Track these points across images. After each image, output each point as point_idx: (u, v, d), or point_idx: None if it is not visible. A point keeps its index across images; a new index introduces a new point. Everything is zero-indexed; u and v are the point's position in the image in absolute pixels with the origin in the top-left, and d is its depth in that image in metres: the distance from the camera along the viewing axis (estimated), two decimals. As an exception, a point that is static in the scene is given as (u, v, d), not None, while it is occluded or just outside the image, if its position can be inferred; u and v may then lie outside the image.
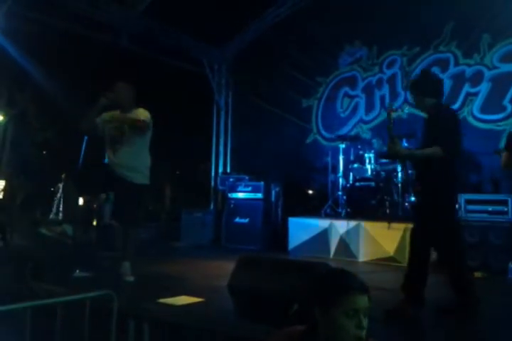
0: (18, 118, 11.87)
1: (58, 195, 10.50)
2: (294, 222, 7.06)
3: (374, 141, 7.29)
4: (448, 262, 3.43)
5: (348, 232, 6.44)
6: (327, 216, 7.24)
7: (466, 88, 7.30)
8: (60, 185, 10.53)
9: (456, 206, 4.22)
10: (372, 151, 7.11)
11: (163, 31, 9.15)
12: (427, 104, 3.62)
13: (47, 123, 12.55)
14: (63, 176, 10.49)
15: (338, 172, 7.49)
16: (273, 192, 7.90)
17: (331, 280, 1.71)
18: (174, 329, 3.17)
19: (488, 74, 7.11)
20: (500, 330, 3.16)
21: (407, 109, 6.01)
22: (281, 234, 7.39)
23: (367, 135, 8.30)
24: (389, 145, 3.49)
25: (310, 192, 8.43)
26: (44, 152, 13.44)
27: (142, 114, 4.57)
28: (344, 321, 1.60)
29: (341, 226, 6.52)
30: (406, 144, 6.42)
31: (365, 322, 1.60)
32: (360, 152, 7.33)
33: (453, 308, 3.34)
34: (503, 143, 6.70)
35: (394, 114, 3.63)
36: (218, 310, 3.37)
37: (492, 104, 7.02)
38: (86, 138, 6.84)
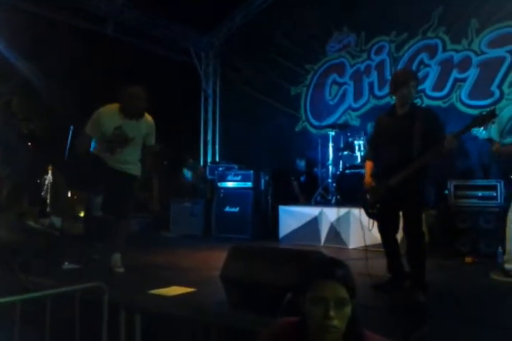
0: (3, 109, 11.69)
1: (45, 186, 10.41)
2: (284, 210, 7.05)
3: (371, 125, 7.19)
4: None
5: (338, 219, 6.44)
6: (317, 204, 7.25)
7: (454, 74, 7.29)
8: (47, 177, 10.44)
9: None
10: (362, 138, 7.09)
11: (148, 19, 9.04)
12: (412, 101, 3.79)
13: (32, 114, 12.38)
14: (50, 168, 10.41)
15: (328, 160, 7.48)
16: (262, 181, 7.86)
17: (309, 267, 1.67)
18: (166, 320, 3.14)
19: (476, 59, 7.10)
20: (489, 315, 3.17)
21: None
22: (272, 222, 7.39)
23: (356, 122, 8.29)
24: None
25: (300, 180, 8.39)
26: (29, 143, 13.27)
27: (147, 122, 4.47)
28: (311, 308, 1.54)
29: (332, 213, 6.52)
30: None
31: (333, 312, 1.51)
32: (350, 139, 7.31)
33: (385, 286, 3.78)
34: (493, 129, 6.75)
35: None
36: (210, 300, 3.34)
37: (480, 89, 7.02)
38: (72, 128, 6.74)
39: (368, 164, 4.03)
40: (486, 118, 3.33)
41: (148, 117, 4.51)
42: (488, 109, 3.39)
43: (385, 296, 3.66)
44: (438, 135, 3.50)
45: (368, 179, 3.91)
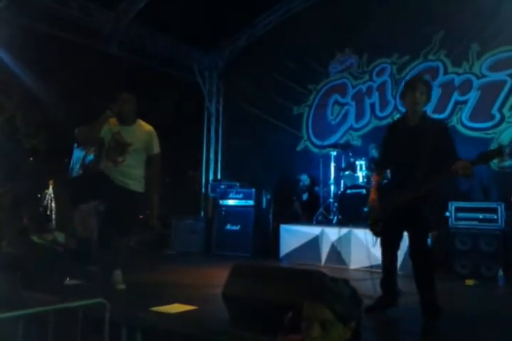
0: (6, 124, 11.78)
1: (45, 201, 10.43)
2: (285, 228, 7.04)
3: (371, 146, 7.26)
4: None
5: (339, 239, 6.43)
6: (318, 223, 7.26)
7: (455, 96, 7.37)
8: (47, 192, 10.48)
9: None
10: (364, 158, 7.13)
11: (153, 38, 9.16)
12: (423, 110, 3.59)
13: (35, 129, 12.47)
14: (51, 183, 10.45)
15: (330, 179, 7.51)
16: (264, 199, 7.87)
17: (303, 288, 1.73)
18: (167, 337, 3.14)
19: (476, 82, 7.19)
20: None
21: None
22: (273, 240, 7.38)
23: (357, 142, 8.35)
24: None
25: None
26: (31, 158, 13.34)
27: (145, 128, 4.54)
28: (303, 326, 1.61)
29: (333, 233, 6.52)
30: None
31: (317, 333, 1.57)
32: (352, 159, 7.35)
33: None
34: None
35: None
36: (212, 318, 3.34)
37: (481, 112, 7.09)
38: (75, 144, 6.79)
39: (376, 179, 3.97)
40: (491, 156, 3.22)
41: (145, 125, 4.59)
42: (495, 148, 3.33)
43: (383, 318, 3.63)
44: (449, 153, 3.37)
45: (372, 196, 3.84)
